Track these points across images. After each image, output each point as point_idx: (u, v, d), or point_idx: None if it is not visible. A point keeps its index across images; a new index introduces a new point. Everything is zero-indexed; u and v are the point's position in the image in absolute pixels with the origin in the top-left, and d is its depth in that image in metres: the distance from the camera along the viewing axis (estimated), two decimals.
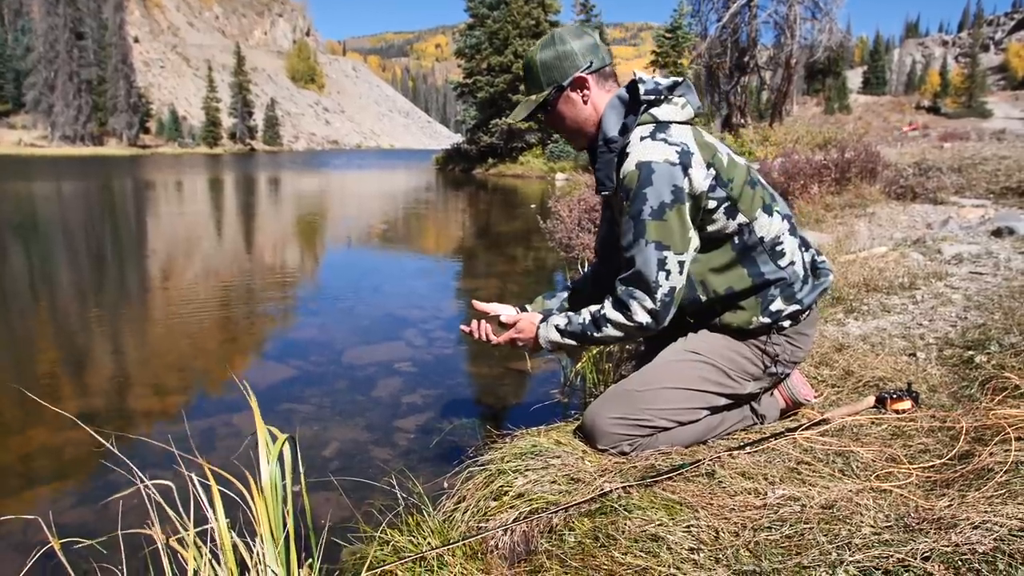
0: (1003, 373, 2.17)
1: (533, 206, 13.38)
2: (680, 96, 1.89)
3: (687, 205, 1.77)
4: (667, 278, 1.79)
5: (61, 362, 4.06)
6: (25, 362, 4.04)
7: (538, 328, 2.04)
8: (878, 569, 1.19)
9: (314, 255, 8.88)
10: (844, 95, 67.31)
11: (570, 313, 2.00)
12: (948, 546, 1.21)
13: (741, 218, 1.85)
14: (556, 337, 1.99)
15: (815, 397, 2.25)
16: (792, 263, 1.91)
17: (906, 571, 1.16)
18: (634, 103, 1.88)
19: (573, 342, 1.99)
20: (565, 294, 2.31)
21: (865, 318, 3.22)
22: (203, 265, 7.63)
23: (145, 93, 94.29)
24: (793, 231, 1.95)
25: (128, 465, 1.51)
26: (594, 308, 1.93)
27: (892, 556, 1.22)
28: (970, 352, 2.52)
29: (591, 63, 1.89)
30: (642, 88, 1.86)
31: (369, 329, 4.70)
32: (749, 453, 1.84)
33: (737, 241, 1.88)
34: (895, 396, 2.05)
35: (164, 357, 4.15)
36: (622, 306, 1.85)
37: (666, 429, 1.96)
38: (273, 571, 1.44)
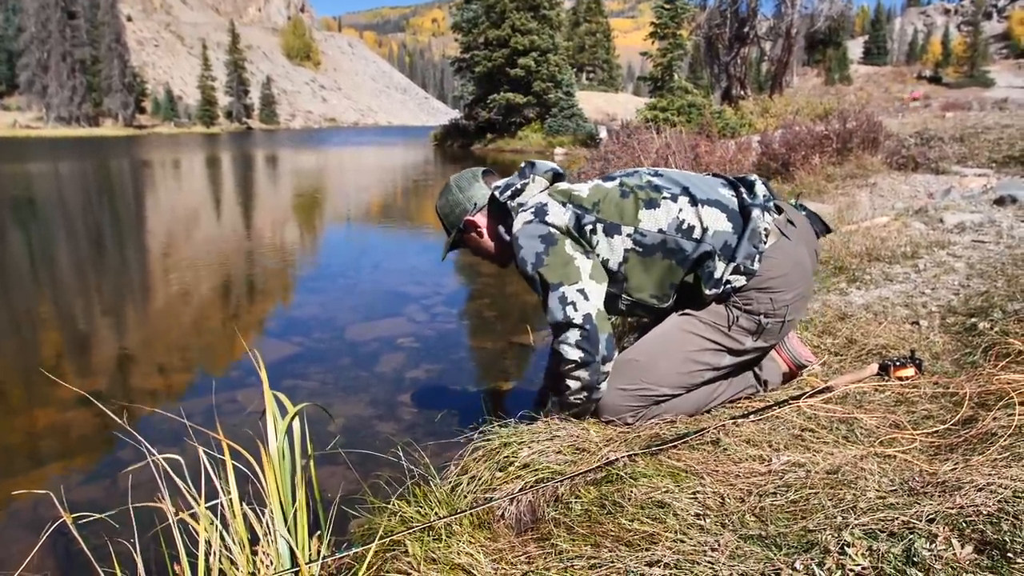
0: (1006, 339, 2.17)
1: None
2: (530, 175, 2.08)
3: (563, 242, 1.93)
4: (575, 309, 1.89)
5: (65, 341, 4.07)
6: (30, 342, 4.05)
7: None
8: (883, 531, 1.20)
9: (315, 232, 8.86)
10: (845, 65, 66.68)
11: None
12: (952, 508, 1.22)
13: (626, 228, 1.93)
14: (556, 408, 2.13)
15: (816, 360, 2.26)
16: (707, 230, 1.90)
17: (911, 533, 1.17)
18: (502, 208, 2.10)
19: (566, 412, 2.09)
20: None
21: (868, 287, 3.22)
22: (204, 244, 7.61)
23: (140, 73, 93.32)
24: (693, 201, 1.94)
25: (137, 440, 1.52)
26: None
27: (897, 519, 1.23)
28: (973, 319, 2.52)
29: (475, 204, 2.15)
30: (498, 193, 2.09)
31: (371, 305, 4.70)
32: (753, 421, 1.85)
33: (642, 248, 1.93)
34: (898, 363, 2.05)
35: (167, 335, 4.16)
36: (557, 355, 1.96)
37: (671, 397, 1.98)
38: (284, 542, 1.45)
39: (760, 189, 2.02)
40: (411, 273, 5.89)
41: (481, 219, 2.16)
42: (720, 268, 1.89)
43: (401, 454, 2.03)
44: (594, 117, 31.84)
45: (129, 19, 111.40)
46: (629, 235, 1.92)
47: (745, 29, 23.85)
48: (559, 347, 1.92)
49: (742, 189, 2.01)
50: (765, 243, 1.92)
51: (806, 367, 2.17)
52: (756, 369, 2.11)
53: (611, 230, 1.93)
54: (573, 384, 1.94)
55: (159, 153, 29.63)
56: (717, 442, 1.74)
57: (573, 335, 1.88)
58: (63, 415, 2.91)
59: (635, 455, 1.71)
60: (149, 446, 1.49)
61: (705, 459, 1.67)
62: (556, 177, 2.12)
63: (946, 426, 1.68)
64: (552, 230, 1.93)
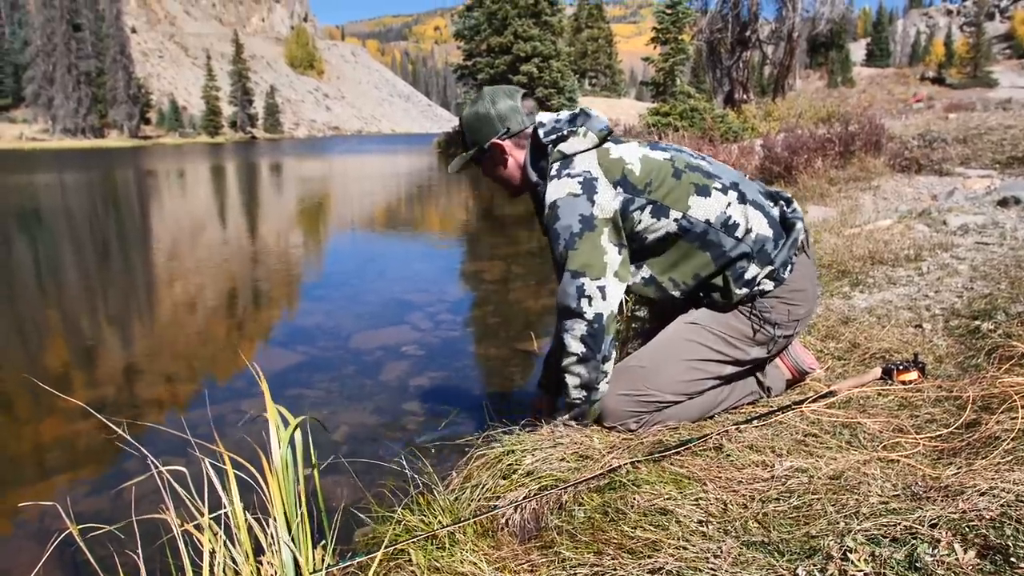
0: (1010, 342, 2.16)
1: None
2: (581, 126, 1.97)
3: (602, 230, 1.87)
4: (590, 304, 1.87)
5: (72, 352, 4.09)
6: (36, 352, 4.08)
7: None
8: (886, 537, 1.20)
9: (320, 240, 8.89)
10: (847, 68, 66.46)
11: None
12: (955, 513, 1.22)
13: (674, 213, 1.90)
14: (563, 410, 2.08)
15: (819, 367, 2.26)
16: (750, 230, 1.91)
17: (914, 538, 1.17)
18: (541, 148, 2.00)
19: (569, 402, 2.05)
20: None
21: (871, 290, 3.21)
22: (209, 252, 7.64)
23: (144, 84, 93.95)
24: (743, 198, 1.94)
25: (141, 452, 1.53)
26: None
27: (900, 524, 1.23)
28: (976, 322, 2.52)
29: (508, 129, 2.03)
30: (541, 132, 2.00)
31: (375, 313, 4.71)
32: (756, 427, 1.85)
33: (684, 233, 1.92)
34: (901, 367, 2.05)
35: (173, 345, 4.18)
36: (561, 343, 1.94)
37: (673, 404, 1.98)
38: (288, 551, 1.46)
39: (796, 205, 2.05)
40: (415, 280, 5.90)
41: (511, 147, 2.06)
42: (753, 270, 1.91)
43: (405, 462, 2.04)
44: None
45: (134, 31, 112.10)
46: (676, 220, 1.91)
47: (747, 33, 23.86)
48: (563, 334, 1.93)
49: (782, 202, 2.05)
50: (797, 255, 1.97)
51: (809, 373, 2.18)
52: (759, 375, 2.12)
53: (659, 212, 1.90)
54: (572, 380, 1.96)
55: (164, 163, 29.77)
56: (720, 448, 1.74)
57: (579, 328, 1.89)
58: (69, 426, 2.92)
59: (638, 462, 1.71)
60: (154, 458, 1.50)
61: (708, 465, 1.67)
62: (605, 138, 2.01)
63: (949, 430, 1.68)
64: (595, 213, 1.87)
